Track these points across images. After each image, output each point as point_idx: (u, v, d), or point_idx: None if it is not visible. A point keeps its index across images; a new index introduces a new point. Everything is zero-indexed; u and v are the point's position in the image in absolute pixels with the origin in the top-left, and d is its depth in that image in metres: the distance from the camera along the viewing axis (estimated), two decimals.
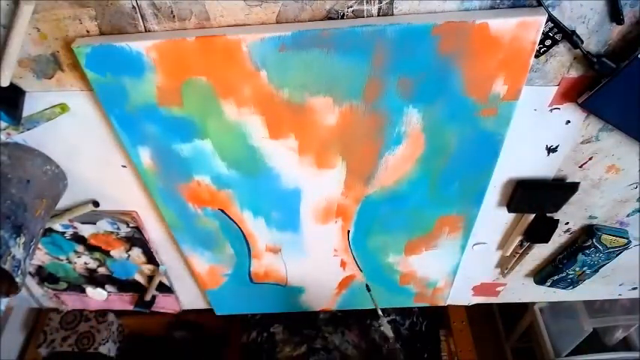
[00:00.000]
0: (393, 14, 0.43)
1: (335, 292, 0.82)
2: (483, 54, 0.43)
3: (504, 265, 0.77)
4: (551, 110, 0.51)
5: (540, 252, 0.74)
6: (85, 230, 0.71)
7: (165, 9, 0.43)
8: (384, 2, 0.42)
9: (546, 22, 0.41)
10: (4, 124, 0.54)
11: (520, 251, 0.73)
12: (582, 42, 0.43)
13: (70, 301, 0.89)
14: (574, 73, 0.47)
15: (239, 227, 0.66)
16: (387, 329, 0.57)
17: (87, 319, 1.34)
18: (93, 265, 0.79)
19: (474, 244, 0.72)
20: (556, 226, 0.65)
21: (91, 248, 0.75)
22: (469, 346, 1.34)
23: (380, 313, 0.62)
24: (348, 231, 0.67)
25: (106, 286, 0.84)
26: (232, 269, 0.75)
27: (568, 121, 0.52)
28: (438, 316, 1.29)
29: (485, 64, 0.44)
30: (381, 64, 0.45)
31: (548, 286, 0.79)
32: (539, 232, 0.66)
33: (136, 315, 1.32)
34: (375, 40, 0.43)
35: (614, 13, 0.42)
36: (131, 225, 0.68)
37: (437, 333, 1.25)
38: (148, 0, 0.43)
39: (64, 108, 0.52)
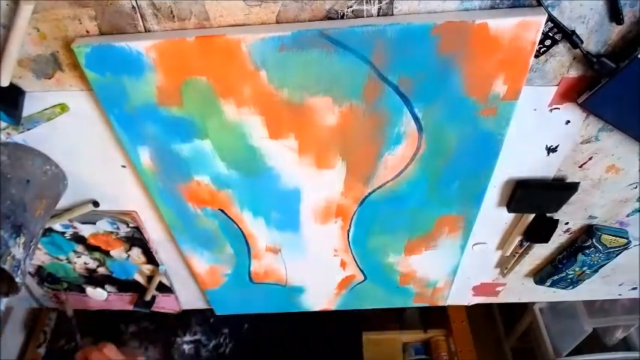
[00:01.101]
0: (392, 14, 0.43)
1: (335, 292, 0.82)
2: (483, 54, 0.43)
3: (504, 265, 0.77)
4: (551, 110, 0.51)
5: (540, 252, 0.74)
6: (85, 230, 0.71)
7: (165, 9, 0.43)
8: (383, 2, 0.42)
9: (546, 22, 0.41)
10: (4, 124, 0.54)
11: (520, 251, 0.73)
12: (582, 42, 0.43)
13: (70, 301, 0.89)
14: (574, 73, 0.47)
15: (239, 227, 0.66)
16: None
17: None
18: (93, 265, 0.79)
19: (474, 244, 0.72)
20: (556, 226, 0.65)
21: (91, 248, 0.75)
22: (469, 346, 1.34)
23: None
24: (348, 231, 0.67)
25: (106, 286, 0.84)
26: (232, 269, 0.75)
27: (568, 121, 0.52)
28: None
29: (485, 64, 0.44)
30: (380, 64, 0.45)
31: (548, 286, 0.79)
32: (539, 232, 0.66)
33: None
34: (375, 40, 0.43)
35: (614, 13, 0.42)
36: (131, 225, 0.68)
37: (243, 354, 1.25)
38: (148, 0, 0.43)
39: (63, 108, 0.52)
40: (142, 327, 1.24)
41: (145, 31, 0.45)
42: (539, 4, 0.41)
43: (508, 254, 0.73)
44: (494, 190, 0.62)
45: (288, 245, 0.70)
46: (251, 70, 0.45)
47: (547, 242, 0.68)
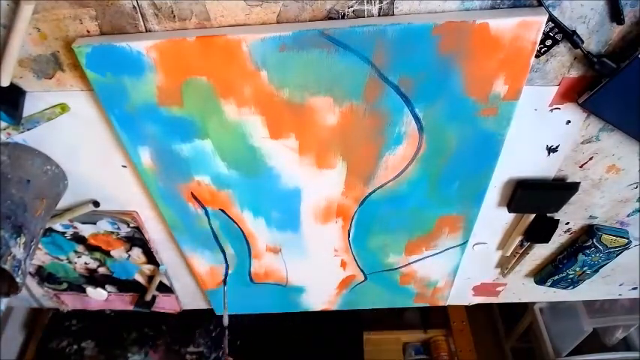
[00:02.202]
0: (393, 14, 0.43)
1: (335, 292, 0.82)
2: (484, 54, 0.43)
3: (504, 265, 0.77)
4: (551, 110, 0.51)
5: (540, 252, 0.74)
6: (85, 230, 0.71)
7: (166, 9, 0.43)
8: (384, 2, 0.42)
9: (547, 22, 0.41)
10: (4, 124, 0.54)
11: (520, 251, 0.73)
12: (583, 42, 0.43)
13: (70, 301, 0.89)
14: (574, 73, 0.47)
15: (239, 227, 0.66)
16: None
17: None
18: (93, 265, 0.79)
19: (475, 244, 0.72)
20: (556, 226, 0.65)
21: (91, 248, 0.75)
22: (469, 346, 1.35)
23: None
24: (349, 231, 0.67)
25: (106, 286, 0.84)
26: (233, 269, 0.75)
27: (568, 121, 0.52)
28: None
29: (485, 64, 0.44)
30: (381, 64, 0.45)
31: (548, 286, 0.79)
32: (540, 232, 0.66)
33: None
34: (376, 40, 0.43)
35: (615, 13, 0.42)
36: (131, 225, 0.68)
37: None
38: (149, 0, 0.43)
39: (64, 108, 0.52)
40: (144, 332, 1.26)
41: (146, 31, 0.45)
42: (540, 4, 0.41)
43: (508, 254, 0.73)
44: (494, 190, 0.62)
45: (288, 245, 0.70)
46: (251, 70, 0.45)
47: (547, 242, 0.68)
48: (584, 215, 0.65)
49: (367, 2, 0.42)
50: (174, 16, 0.44)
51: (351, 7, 0.43)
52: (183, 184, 0.59)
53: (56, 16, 0.44)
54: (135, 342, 1.25)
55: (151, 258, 0.75)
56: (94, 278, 0.82)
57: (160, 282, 0.81)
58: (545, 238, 0.67)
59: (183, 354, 1.23)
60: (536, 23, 0.41)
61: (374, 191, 0.60)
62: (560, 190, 0.60)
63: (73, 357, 1.23)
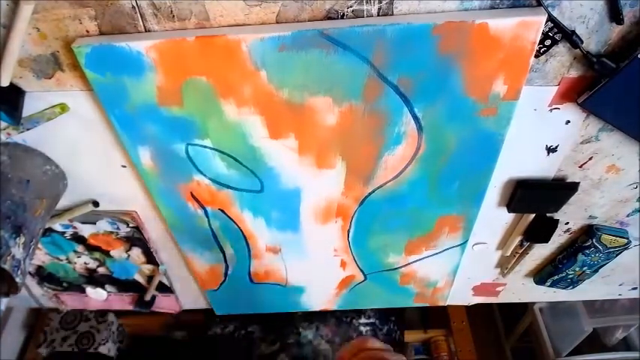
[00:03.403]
0: (392, 14, 0.43)
1: (335, 292, 0.82)
2: (483, 54, 0.43)
3: (504, 265, 0.77)
4: (551, 110, 0.51)
5: (540, 252, 0.74)
6: (85, 230, 0.71)
7: (165, 9, 0.43)
8: (383, 2, 0.42)
9: (546, 22, 0.41)
10: (4, 124, 0.54)
11: (520, 251, 0.73)
12: (582, 42, 0.43)
13: (70, 301, 0.89)
14: (574, 73, 0.47)
15: (239, 227, 0.66)
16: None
17: (87, 319, 1.34)
18: (93, 265, 0.79)
19: (474, 244, 0.72)
20: (556, 226, 0.65)
21: (91, 248, 0.75)
22: (469, 346, 1.34)
23: None
24: (348, 231, 0.67)
25: (106, 286, 0.84)
26: (232, 269, 0.75)
27: (568, 121, 0.52)
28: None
29: (485, 64, 0.44)
30: (380, 64, 0.45)
31: (548, 286, 0.79)
32: (539, 232, 0.66)
33: (136, 315, 1.32)
34: (375, 39, 0.43)
35: (614, 13, 0.42)
36: (131, 225, 0.68)
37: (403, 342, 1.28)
38: (148, 0, 0.43)
39: (63, 108, 0.52)
40: None
41: (145, 31, 0.45)
42: (539, 4, 0.41)
43: (508, 254, 0.73)
44: (494, 190, 0.62)
45: (288, 245, 0.70)
46: (251, 70, 0.45)
47: (547, 242, 0.68)
48: (583, 215, 0.65)
49: (366, 2, 0.42)
50: (174, 16, 0.44)
51: (351, 7, 0.43)
52: (183, 184, 0.59)
53: (56, 16, 0.44)
54: (304, 317, 1.23)
55: (150, 258, 0.76)
56: (93, 278, 0.82)
57: (160, 282, 0.81)
58: (545, 238, 0.67)
59: (356, 326, 1.22)
60: (536, 23, 0.41)
61: (374, 191, 0.60)
62: (559, 190, 0.60)
63: (244, 342, 1.22)
